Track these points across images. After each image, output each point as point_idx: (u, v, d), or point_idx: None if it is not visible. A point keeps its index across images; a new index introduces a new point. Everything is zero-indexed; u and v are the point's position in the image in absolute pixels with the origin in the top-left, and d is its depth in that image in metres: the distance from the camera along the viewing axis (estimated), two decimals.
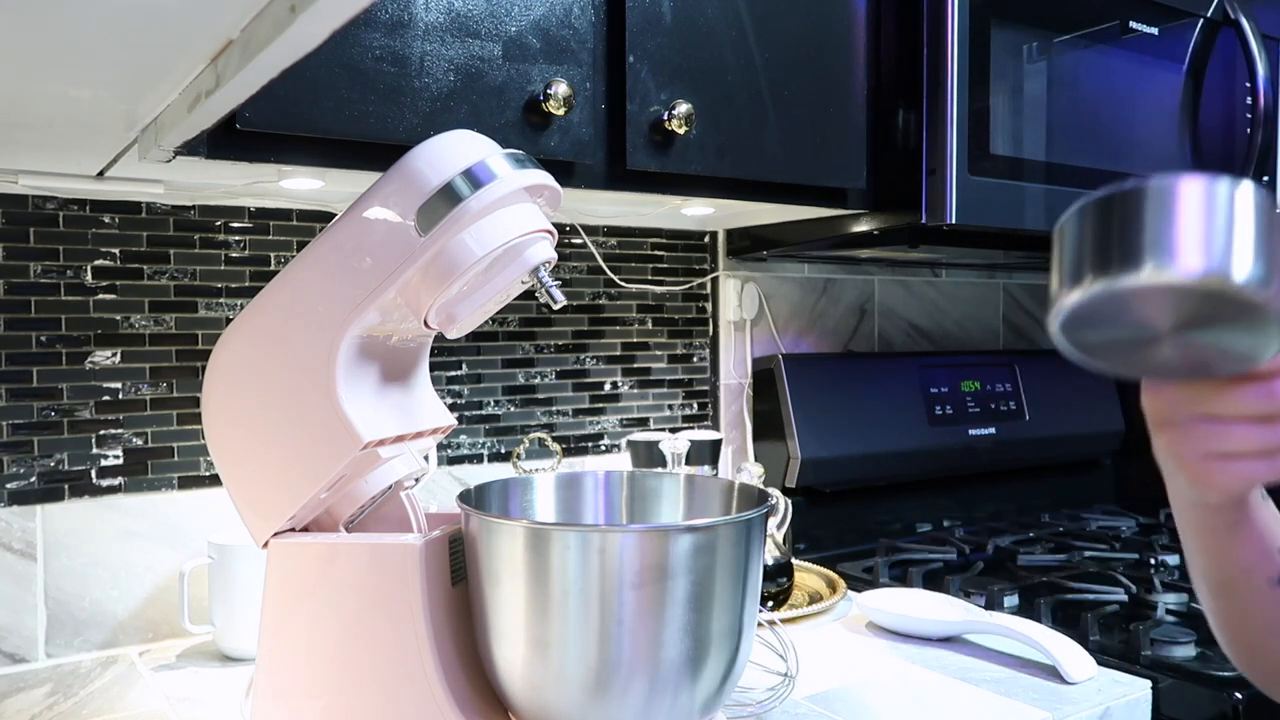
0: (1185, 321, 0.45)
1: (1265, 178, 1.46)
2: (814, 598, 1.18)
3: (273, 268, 1.15)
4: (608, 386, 1.40)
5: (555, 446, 1.25)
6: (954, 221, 1.13)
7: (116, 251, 1.06)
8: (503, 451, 1.31)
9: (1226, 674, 0.93)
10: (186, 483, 1.10)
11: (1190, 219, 0.42)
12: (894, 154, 1.18)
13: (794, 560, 1.23)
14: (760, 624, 1.01)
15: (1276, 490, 0.56)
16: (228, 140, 0.80)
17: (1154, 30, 1.33)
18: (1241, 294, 0.42)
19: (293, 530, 0.78)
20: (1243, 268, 0.42)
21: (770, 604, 1.13)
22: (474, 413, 1.29)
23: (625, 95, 0.98)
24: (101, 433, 1.06)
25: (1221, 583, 0.64)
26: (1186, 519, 0.63)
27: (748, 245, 1.46)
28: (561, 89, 0.91)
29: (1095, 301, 0.44)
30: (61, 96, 0.65)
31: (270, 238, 1.15)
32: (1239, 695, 0.91)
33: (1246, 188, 0.43)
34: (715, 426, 1.49)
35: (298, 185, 1.02)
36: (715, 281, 1.49)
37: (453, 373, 1.27)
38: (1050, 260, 0.46)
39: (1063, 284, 0.45)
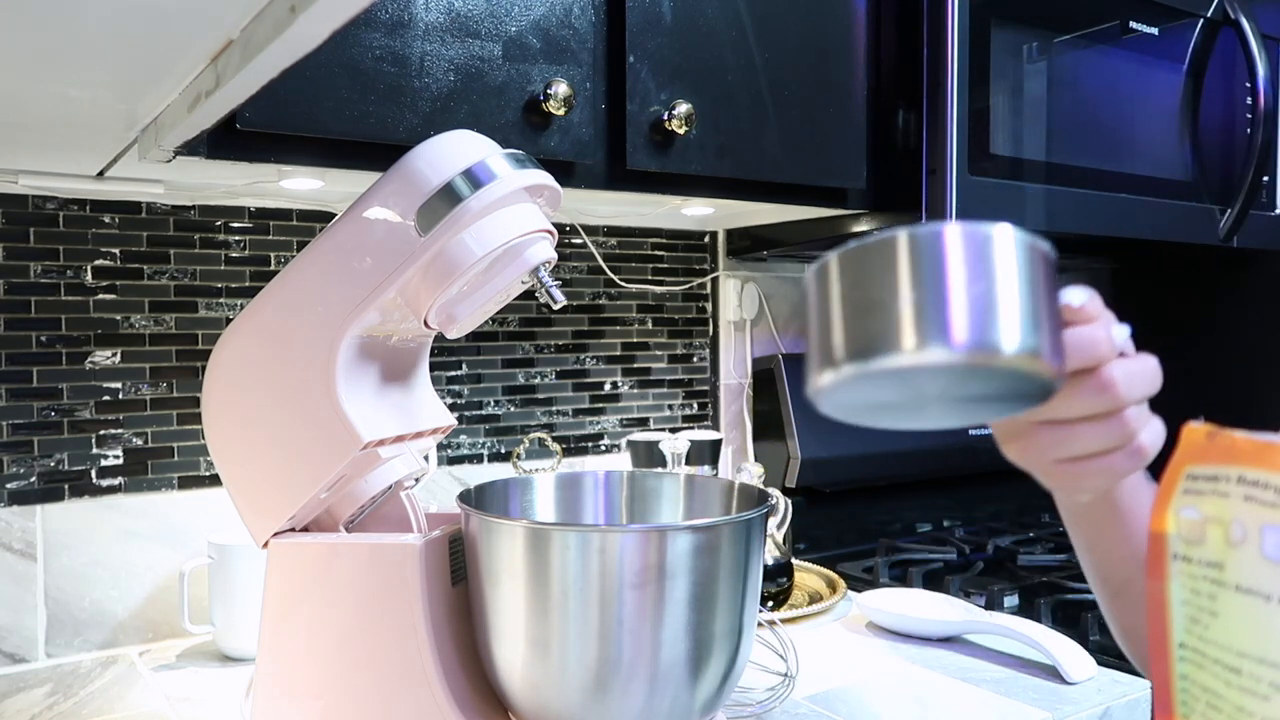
0: (953, 387, 0.41)
1: (1265, 178, 1.46)
2: (814, 598, 1.18)
3: (273, 268, 1.15)
4: (608, 386, 1.40)
5: (555, 446, 1.25)
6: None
7: (116, 251, 1.06)
8: (503, 451, 1.31)
9: None
10: (186, 483, 1.10)
11: (949, 284, 0.38)
12: (894, 154, 1.18)
13: (794, 560, 1.23)
14: (760, 624, 1.01)
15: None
16: (228, 140, 0.80)
17: (1154, 30, 1.33)
18: (1010, 362, 0.39)
19: (293, 530, 0.78)
20: (1010, 337, 0.38)
21: (770, 604, 1.13)
22: (474, 413, 1.29)
23: (625, 95, 0.98)
24: (101, 433, 1.06)
25: (1119, 582, 0.60)
26: (1067, 517, 0.60)
27: (748, 245, 1.46)
28: (561, 89, 0.91)
29: (852, 382, 0.40)
30: (61, 96, 0.65)
31: (270, 238, 1.15)
32: None
33: (1006, 234, 0.39)
34: (715, 426, 1.49)
35: (298, 185, 1.02)
36: (715, 281, 1.49)
37: (453, 373, 1.27)
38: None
39: (814, 361, 0.41)
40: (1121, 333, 0.47)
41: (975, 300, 0.38)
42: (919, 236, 0.39)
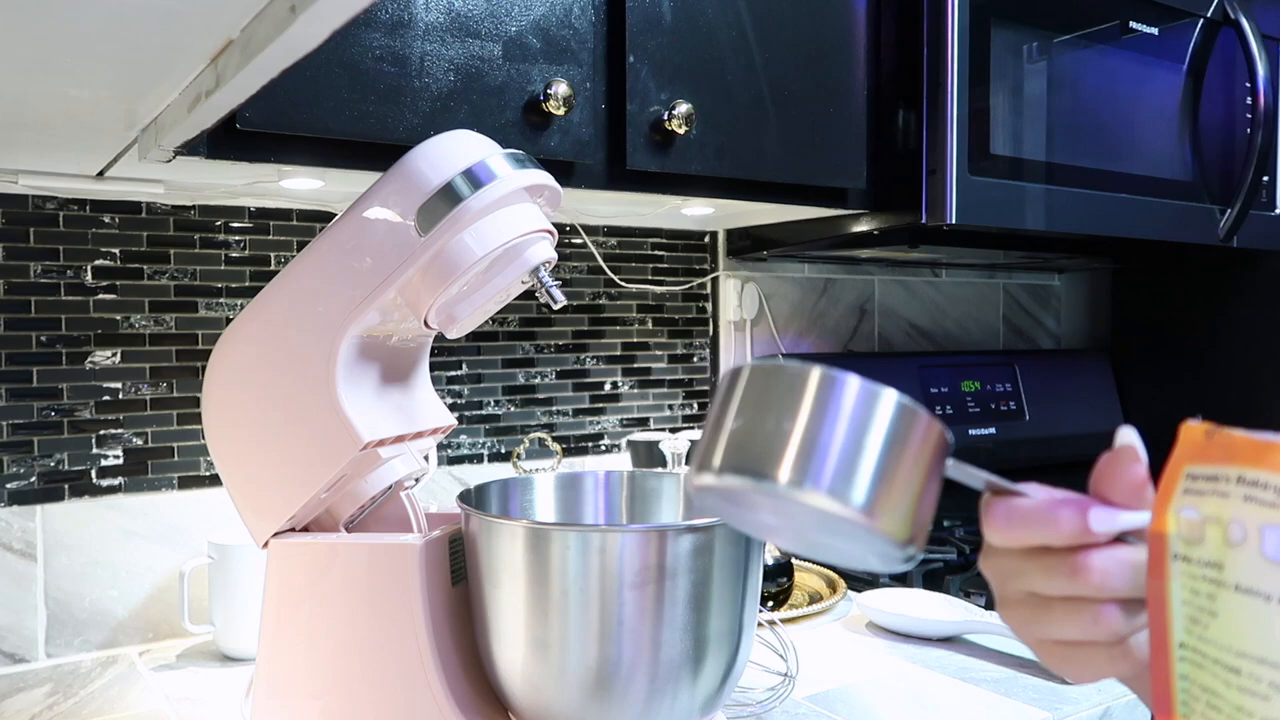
0: (818, 525, 0.43)
1: (1265, 178, 1.46)
2: (814, 598, 1.18)
3: (273, 268, 1.15)
4: (608, 386, 1.40)
5: (555, 446, 1.25)
6: (954, 221, 1.13)
7: (116, 251, 1.06)
8: (503, 451, 1.31)
9: None
10: (186, 483, 1.10)
11: (825, 434, 0.41)
12: (894, 154, 1.18)
13: (794, 560, 1.23)
14: (760, 624, 1.01)
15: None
16: (228, 140, 0.80)
17: (1154, 30, 1.33)
18: (856, 519, 0.41)
19: (293, 530, 0.78)
20: (859, 494, 0.40)
21: (770, 604, 1.13)
22: (474, 413, 1.29)
23: (625, 95, 0.98)
24: (101, 433, 1.06)
25: None
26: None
27: (748, 245, 1.46)
28: (561, 89, 0.91)
29: (722, 490, 0.43)
30: (61, 96, 0.65)
31: (270, 238, 1.15)
32: None
33: (890, 399, 0.41)
34: None
35: (298, 185, 1.02)
36: (715, 281, 1.49)
37: (453, 373, 1.27)
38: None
39: (698, 458, 0.43)
40: (1110, 521, 0.42)
41: (848, 453, 0.40)
42: (827, 380, 0.41)
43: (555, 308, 0.82)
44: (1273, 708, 0.36)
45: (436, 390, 0.88)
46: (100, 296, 1.06)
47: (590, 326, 1.38)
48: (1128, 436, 0.45)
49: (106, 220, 1.06)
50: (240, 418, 0.76)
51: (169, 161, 0.79)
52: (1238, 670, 0.37)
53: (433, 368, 1.13)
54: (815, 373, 0.42)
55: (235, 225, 1.13)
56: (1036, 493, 0.45)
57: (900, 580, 1.29)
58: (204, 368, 1.03)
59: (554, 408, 1.35)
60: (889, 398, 0.42)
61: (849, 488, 0.40)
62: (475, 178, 0.70)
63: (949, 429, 0.43)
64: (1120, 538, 0.43)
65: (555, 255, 0.76)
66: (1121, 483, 0.43)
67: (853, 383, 0.41)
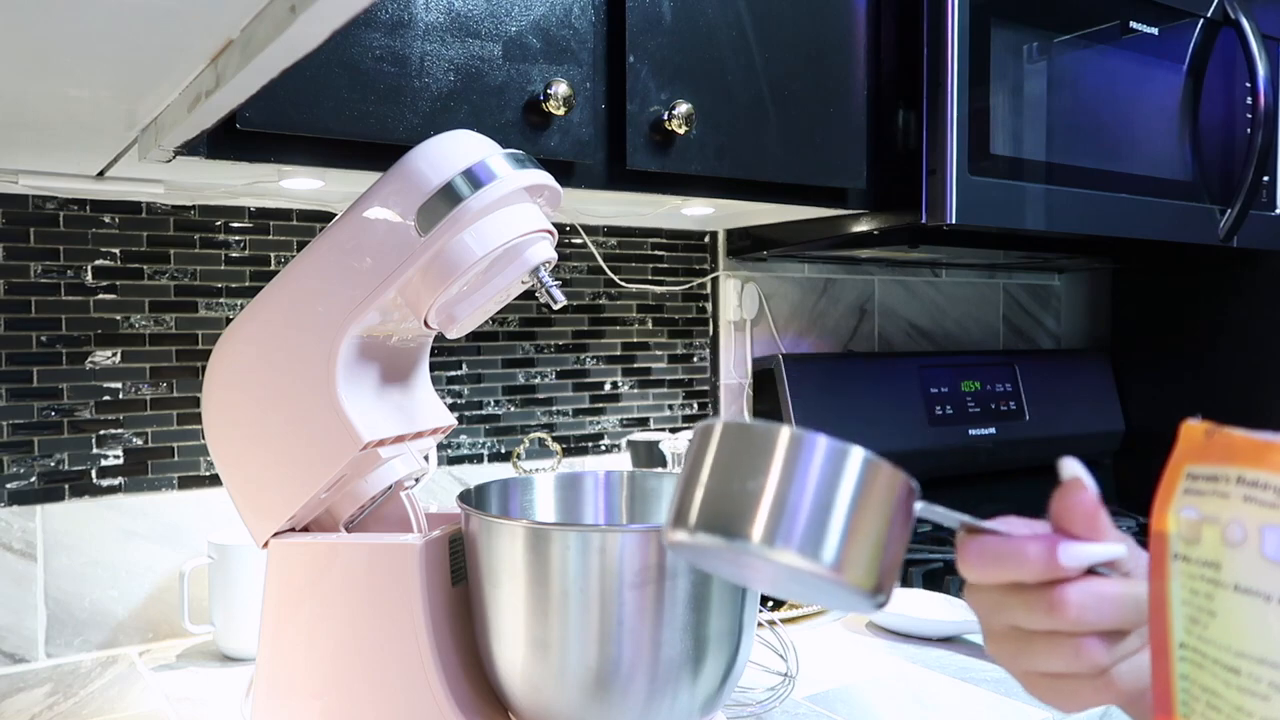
0: (792, 576, 0.44)
1: (1265, 178, 1.46)
2: None
3: (273, 268, 1.15)
4: (608, 386, 1.40)
5: (555, 446, 1.25)
6: (954, 221, 1.13)
7: (116, 251, 1.06)
8: (503, 451, 1.31)
9: None
10: (186, 483, 1.10)
11: (795, 494, 0.42)
12: (894, 154, 1.18)
13: None
14: (760, 624, 1.01)
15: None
16: (228, 140, 0.80)
17: (1154, 30, 1.33)
18: (825, 575, 0.42)
19: (293, 530, 0.78)
20: (829, 552, 0.42)
21: (770, 604, 1.13)
22: (474, 413, 1.29)
23: (625, 95, 0.98)
24: (101, 433, 1.06)
25: None
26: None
27: (748, 245, 1.46)
28: (561, 89, 0.91)
29: (696, 547, 0.44)
30: (61, 96, 0.65)
31: (270, 238, 1.15)
32: None
33: (856, 457, 0.43)
34: None
35: (298, 185, 1.02)
36: (715, 281, 1.49)
37: (453, 373, 1.27)
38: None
39: (672, 514, 0.45)
40: (1078, 555, 0.43)
41: (817, 511, 0.42)
42: (795, 440, 0.43)
43: (555, 308, 0.82)
44: (1272, 708, 0.36)
45: (436, 390, 0.88)
46: (100, 296, 1.06)
47: (590, 326, 1.38)
48: (1071, 468, 0.46)
49: (106, 220, 1.06)
50: (240, 418, 0.76)
51: (169, 161, 0.79)
52: (1237, 670, 0.37)
53: (433, 368, 1.14)
54: (784, 433, 0.43)
55: (235, 225, 1.13)
56: (1013, 527, 0.45)
57: (900, 580, 1.29)
58: (204, 368, 1.03)
59: (554, 408, 1.35)
60: (855, 456, 0.43)
61: (819, 546, 0.42)
62: (475, 178, 0.70)
63: (914, 479, 0.45)
64: (1095, 570, 0.44)
65: (555, 255, 0.76)
66: (1076, 514, 0.44)
67: (820, 443, 0.43)
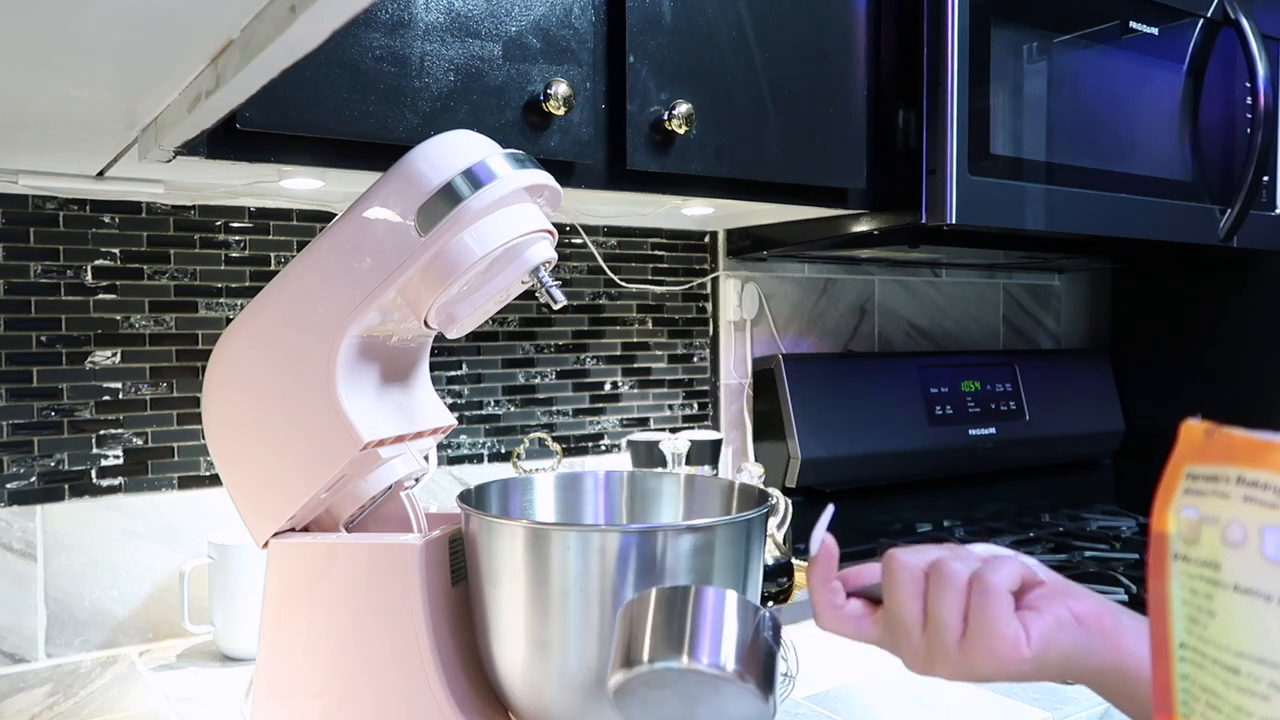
0: (698, 694, 0.58)
1: (1265, 178, 1.46)
2: None
3: (273, 268, 1.15)
4: (608, 386, 1.40)
5: (555, 446, 1.25)
6: (954, 221, 1.13)
7: (116, 251, 1.06)
8: (503, 451, 1.31)
9: None
10: (186, 483, 1.10)
11: (704, 624, 0.58)
12: (894, 154, 1.18)
13: (794, 560, 1.23)
14: None
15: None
16: (228, 140, 0.80)
17: (1154, 30, 1.33)
18: (727, 677, 0.57)
19: (293, 530, 0.78)
20: (729, 658, 0.57)
21: (770, 604, 1.13)
22: (474, 413, 1.29)
23: (625, 95, 0.98)
24: (101, 433, 1.06)
25: None
26: (1092, 689, 0.59)
27: (748, 245, 1.46)
28: (561, 89, 0.91)
29: (638, 679, 0.58)
30: (61, 96, 0.65)
31: (270, 238, 1.15)
32: None
33: (733, 599, 0.59)
34: (715, 426, 1.49)
35: (298, 185, 1.02)
36: (715, 281, 1.49)
37: (453, 373, 1.27)
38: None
39: (612, 664, 0.59)
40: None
41: (714, 635, 0.58)
42: (699, 594, 0.59)
43: (555, 308, 0.82)
44: (1272, 708, 0.36)
45: (436, 390, 0.88)
46: (100, 296, 1.06)
47: (590, 326, 1.38)
48: (816, 542, 0.60)
49: (106, 220, 1.06)
50: (240, 418, 0.76)
51: (169, 161, 0.79)
52: (1237, 670, 0.37)
53: (433, 368, 1.13)
54: (691, 591, 0.59)
55: (235, 225, 1.13)
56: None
57: None
58: (204, 368, 1.03)
59: (554, 408, 1.35)
60: (728, 597, 0.60)
61: (716, 654, 0.57)
62: (475, 178, 0.70)
63: (777, 610, 0.62)
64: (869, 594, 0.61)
65: (555, 255, 0.76)
66: (814, 581, 0.61)
67: (711, 594, 0.59)
